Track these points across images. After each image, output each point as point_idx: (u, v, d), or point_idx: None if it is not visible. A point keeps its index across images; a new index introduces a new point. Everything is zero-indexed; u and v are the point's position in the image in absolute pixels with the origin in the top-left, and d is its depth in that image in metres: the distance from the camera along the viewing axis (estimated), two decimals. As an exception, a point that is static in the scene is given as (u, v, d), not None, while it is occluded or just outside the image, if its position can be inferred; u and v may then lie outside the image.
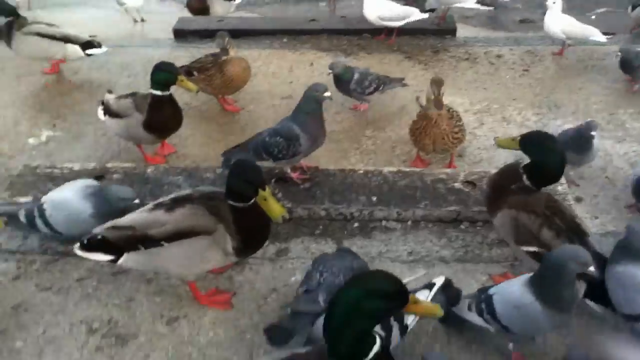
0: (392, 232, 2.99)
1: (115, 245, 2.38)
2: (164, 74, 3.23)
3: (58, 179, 3.17)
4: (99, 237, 2.40)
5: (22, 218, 2.73)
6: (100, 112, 3.60)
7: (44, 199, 2.76)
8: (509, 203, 2.46)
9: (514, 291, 2.15)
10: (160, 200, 2.47)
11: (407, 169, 3.28)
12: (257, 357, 2.33)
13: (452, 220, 2.99)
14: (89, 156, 3.77)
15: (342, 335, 1.51)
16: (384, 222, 3.04)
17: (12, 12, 4.41)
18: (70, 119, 4.20)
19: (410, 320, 2.14)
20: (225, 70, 3.89)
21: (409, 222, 3.02)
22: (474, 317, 2.23)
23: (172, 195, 2.48)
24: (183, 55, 4.78)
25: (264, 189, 2.25)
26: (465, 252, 2.84)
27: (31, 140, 4.02)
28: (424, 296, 2.18)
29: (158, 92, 3.26)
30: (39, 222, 2.70)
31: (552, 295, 2.05)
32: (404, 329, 2.10)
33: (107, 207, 2.70)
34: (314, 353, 1.67)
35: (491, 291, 2.21)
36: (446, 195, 3.05)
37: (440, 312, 1.64)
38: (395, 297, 1.55)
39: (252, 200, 2.29)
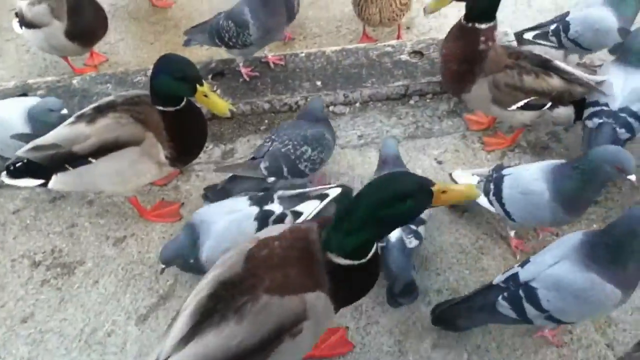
0: (341, 117, 2.82)
1: (42, 168, 2.18)
2: None
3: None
4: (24, 160, 2.20)
5: None
6: (15, 24, 3.23)
7: None
8: (484, 71, 2.26)
9: (526, 176, 1.96)
10: (82, 111, 2.22)
11: (351, 46, 3.04)
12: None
13: (401, 96, 2.81)
14: (12, 76, 3.46)
15: (355, 237, 1.39)
16: (331, 108, 2.86)
17: None
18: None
19: None
20: None
21: (357, 104, 2.85)
22: (480, 198, 2.07)
23: (93, 105, 2.23)
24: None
25: (201, 84, 1.99)
26: (415, 127, 2.70)
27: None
28: (313, 207, 2.02)
29: None
30: None
31: (568, 192, 1.85)
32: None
33: (38, 124, 2.45)
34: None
35: (505, 172, 2.05)
36: (393, 70, 2.85)
37: (476, 193, 1.41)
38: (417, 194, 1.36)
39: (183, 103, 2.07)
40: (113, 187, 2.25)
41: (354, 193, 1.98)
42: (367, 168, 2.51)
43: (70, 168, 2.16)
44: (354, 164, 2.56)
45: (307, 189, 2.11)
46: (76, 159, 2.14)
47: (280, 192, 2.08)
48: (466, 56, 2.25)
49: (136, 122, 2.10)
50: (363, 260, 1.44)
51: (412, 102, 2.81)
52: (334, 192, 2.08)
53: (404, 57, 2.89)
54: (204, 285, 1.47)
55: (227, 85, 2.92)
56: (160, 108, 2.09)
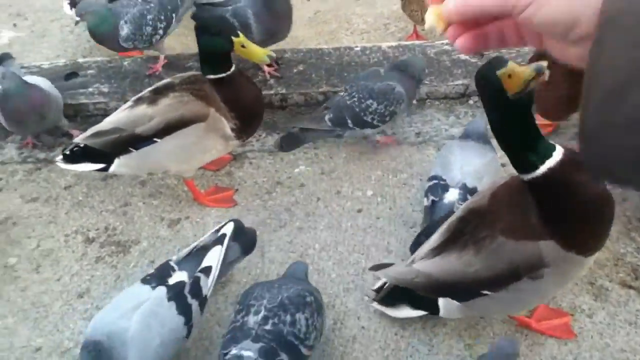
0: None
1: (102, 152, 2.17)
2: None
3: (27, 81, 2.88)
4: (82, 145, 2.19)
5: None
6: (66, 5, 3.22)
7: None
8: None
9: None
10: (139, 95, 2.24)
11: (408, 43, 3.03)
12: (268, 253, 2.22)
13: (460, 95, 2.79)
14: (57, 56, 3.45)
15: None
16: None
17: None
18: (31, 16, 3.81)
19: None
20: None
21: (414, 101, 2.82)
22: None
23: (150, 88, 2.24)
24: None
25: (237, 36, 1.99)
26: (476, 128, 2.67)
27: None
28: (217, 254, 1.81)
29: None
30: None
31: None
32: None
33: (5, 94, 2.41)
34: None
35: None
36: (452, 69, 2.83)
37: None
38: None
39: (232, 70, 2.08)
40: (179, 165, 2.24)
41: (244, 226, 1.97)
42: (425, 166, 2.49)
43: (133, 150, 2.15)
44: (412, 161, 2.53)
45: (197, 242, 1.89)
46: (140, 140, 2.14)
47: (174, 258, 1.84)
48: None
49: (197, 99, 2.11)
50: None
51: (471, 101, 2.79)
52: (228, 229, 1.89)
53: (464, 56, 2.87)
54: (460, 208, 1.65)
55: (280, 74, 2.90)
56: (212, 76, 2.09)
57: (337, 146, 2.65)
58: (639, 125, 0.51)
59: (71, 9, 3.15)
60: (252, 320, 1.57)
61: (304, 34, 3.45)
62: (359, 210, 2.36)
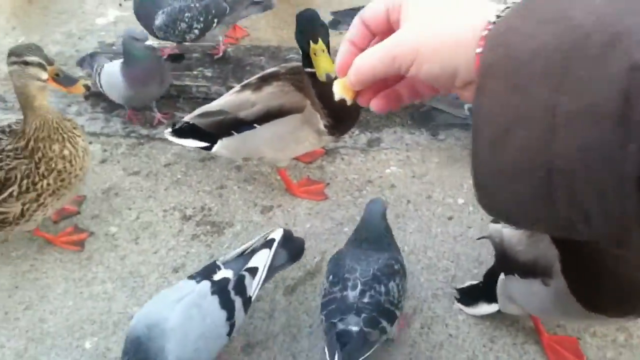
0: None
1: (207, 132, 2.26)
2: None
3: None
4: (190, 122, 2.28)
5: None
6: None
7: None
8: None
9: None
10: (248, 80, 2.32)
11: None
12: (358, 250, 2.24)
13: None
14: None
15: None
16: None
17: None
18: (137, -5, 3.96)
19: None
20: None
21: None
22: None
23: (258, 75, 2.32)
24: None
25: (315, 42, 1.93)
26: None
27: (98, 21, 3.83)
28: (265, 257, 1.82)
29: None
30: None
31: None
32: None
33: (129, 59, 2.57)
34: None
35: None
36: None
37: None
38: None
39: None
40: (274, 152, 2.29)
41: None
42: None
43: (235, 133, 2.23)
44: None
45: (247, 245, 1.89)
46: (242, 124, 2.21)
47: (221, 259, 1.84)
48: None
49: (297, 90, 2.15)
50: None
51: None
52: (277, 234, 1.88)
53: None
54: None
55: (379, 74, 2.91)
56: (308, 70, 2.09)
57: (429, 150, 2.65)
58: (520, 171, 0.51)
59: None
60: (351, 295, 1.68)
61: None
62: (450, 218, 2.35)
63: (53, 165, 1.94)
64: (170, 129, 2.35)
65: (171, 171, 2.61)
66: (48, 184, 1.95)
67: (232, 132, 2.24)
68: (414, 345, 1.92)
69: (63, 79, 1.87)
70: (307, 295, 2.10)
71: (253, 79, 2.30)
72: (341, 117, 2.18)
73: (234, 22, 3.11)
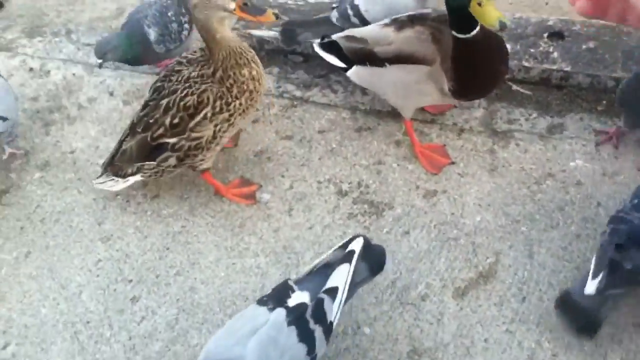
0: None
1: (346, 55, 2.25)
2: None
3: (291, 12, 2.81)
4: (335, 40, 2.26)
5: None
6: None
7: None
8: None
9: None
10: (398, 16, 2.17)
11: None
12: (537, 255, 1.96)
13: None
14: None
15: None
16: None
17: None
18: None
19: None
20: None
21: None
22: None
23: (410, 13, 2.17)
24: None
25: None
26: None
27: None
28: (345, 273, 1.60)
29: None
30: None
31: None
32: None
33: None
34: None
35: None
36: None
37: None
38: None
39: (476, 30, 1.86)
40: (396, 97, 2.23)
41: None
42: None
43: (368, 65, 2.16)
44: None
45: (321, 259, 1.68)
46: (375, 59, 2.13)
47: (294, 277, 1.67)
48: None
49: (433, 42, 2.02)
50: None
51: None
52: (357, 245, 1.66)
53: None
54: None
55: (566, 49, 2.53)
56: (454, 34, 1.90)
57: (624, 144, 2.27)
58: None
59: None
60: None
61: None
62: (648, 229, 1.99)
63: (245, 87, 2.00)
64: (318, 41, 2.33)
65: (325, 139, 2.41)
66: (240, 104, 2.02)
67: (367, 63, 2.17)
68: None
69: (251, 8, 1.86)
70: (481, 302, 1.86)
71: (404, 15, 2.16)
72: (468, 85, 2.03)
73: None
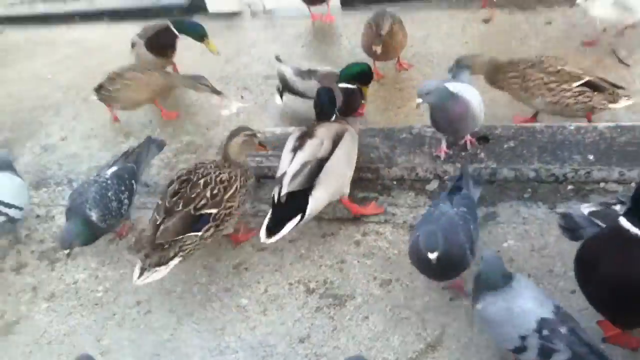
0: (613, 195, 2.70)
1: (293, 205, 2.53)
2: None
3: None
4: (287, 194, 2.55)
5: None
6: (277, 97, 3.58)
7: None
8: None
9: None
10: (292, 144, 2.73)
11: (628, 124, 2.94)
12: (475, 325, 2.24)
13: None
14: (276, 125, 3.86)
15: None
16: (602, 184, 2.76)
17: None
18: (255, 90, 4.31)
19: None
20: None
21: (632, 184, 2.71)
22: None
23: (294, 136, 2.78)
24: (352, 23, 4.68)
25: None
26: None
27: (223, 112, 4.24)
28: None
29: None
30: None
31: None
32: None
33: None
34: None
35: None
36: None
37: None
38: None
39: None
40: (350, 170, 2.75)
41: None
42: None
43: (320, 175, 2.59)
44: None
45: None
46: (323, 162, 2.61)
47: None
48: None
49: (336, 123, 2.82)
50: None
51: None
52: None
53: (695, 139, 2.71)
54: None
55: (490, 150, 2.97)
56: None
57: (548, 223, 2.63)
58: None
59: (281, 98, 3.53)
60: None
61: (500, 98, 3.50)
62: (573, 292, 2.31)
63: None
64: (264, 234, 2.51)
65: (295, 246, 2.78)
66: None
67: (319, 174, 2.57)
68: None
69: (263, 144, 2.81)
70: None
71: (294, 139, 2.76)
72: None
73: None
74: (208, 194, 2.51)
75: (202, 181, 2.54)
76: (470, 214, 2.28)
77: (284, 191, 2.54)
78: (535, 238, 2.58)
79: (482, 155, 2.96)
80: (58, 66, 4.89)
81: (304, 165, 2.59)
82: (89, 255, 2.94)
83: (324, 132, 2.72)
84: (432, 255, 1.98)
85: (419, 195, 2.95)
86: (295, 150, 2.67)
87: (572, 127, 2.98)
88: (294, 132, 2.85)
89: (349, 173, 2.77)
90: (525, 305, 1.87)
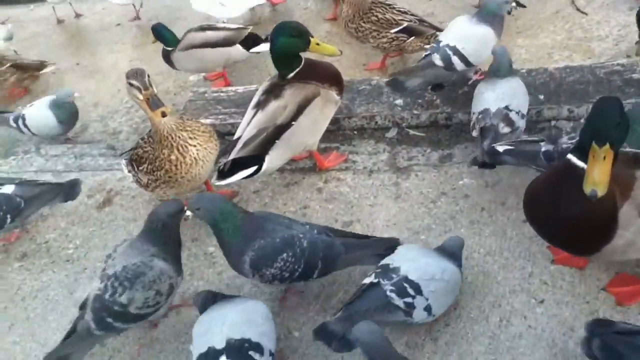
0: (563, 132, 2.82)
1: (251, 158, 2.55)
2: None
3: (224, 102, 3.36)
4: (236, 158, 2.54)
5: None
6: None
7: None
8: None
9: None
10: (254, 101, 2.70)
11: (575, 64, 3.05)
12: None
13: (633, 114, 2.75)
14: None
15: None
16: (553, 122, 2.87)
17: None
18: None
19: None
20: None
21: (582, 120, 2.83)
22: None
23: (259, 92, 2.73)
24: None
25: (312, 36, 2.61)
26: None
27: (191, 78, 4.29)
28: None
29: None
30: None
31: None
32: None
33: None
34: None
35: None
36: (624, 88, 2.80)
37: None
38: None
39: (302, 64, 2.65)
40: (312, 137, 2.70)
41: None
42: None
43: (277, 141, 2.55)
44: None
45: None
46: (282, 129, 2.56)
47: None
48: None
49: (307, 84, 2.65)
50: None
51: (646, 118, 2.73)
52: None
53: (637, 75, 2.83)
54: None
55: (446, 96, 3.07)
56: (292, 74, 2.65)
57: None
58: None
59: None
60: None
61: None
62: (525, 221, 2.41)
63: (161, 164, 2.43)
64: (215, 176, 2.57)
65: (260, 196, 2.86)
66: (160, 175, 2.46)
67: (275, 140, 2.55)
68: (494, 337, 2.00)
69: (151, 102, 2.27)
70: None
71: (258, 96, 2.71)
72: (340, 81, 2.75)
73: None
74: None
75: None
76: None
77: (231, 156, 2.56)
78: (489, 175, 2.69)
79: (438, 101, 3.05)
80: None
81: (260, 131, 2.55)
82: (58, 216, 2.99)
83: (291, 95, 2.60)
84: None
85: (378, 142, 3.04)
86: (257, 107, 2.65)
87: (523, 71, 3.08)
88: (266, 81, 2.77)
89: (313, 140, 2.74)
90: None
